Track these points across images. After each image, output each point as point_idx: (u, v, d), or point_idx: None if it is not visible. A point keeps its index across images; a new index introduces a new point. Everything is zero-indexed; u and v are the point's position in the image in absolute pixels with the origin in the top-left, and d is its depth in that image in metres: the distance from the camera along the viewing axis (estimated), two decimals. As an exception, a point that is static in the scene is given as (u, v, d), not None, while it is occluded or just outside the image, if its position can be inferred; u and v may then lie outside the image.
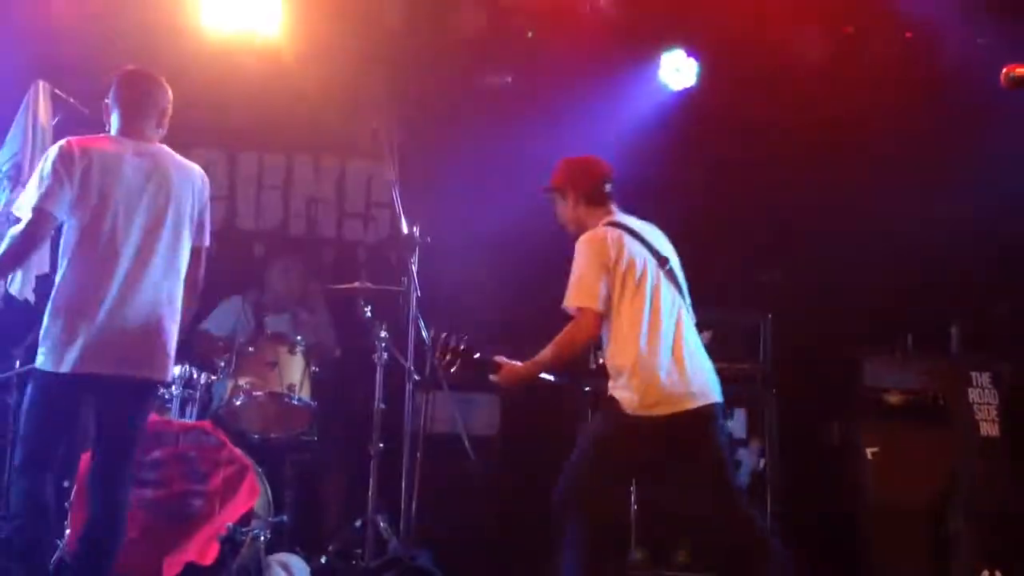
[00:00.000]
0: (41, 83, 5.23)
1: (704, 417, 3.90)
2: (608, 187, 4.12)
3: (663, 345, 3.90)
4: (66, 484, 4.52)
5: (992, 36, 5.41)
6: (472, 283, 5.95)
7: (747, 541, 3.89)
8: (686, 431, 3.88)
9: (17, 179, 5.13)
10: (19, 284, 5.18)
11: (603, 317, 3.92)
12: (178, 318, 3.88)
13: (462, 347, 4.12)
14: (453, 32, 5.86)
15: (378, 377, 5.10)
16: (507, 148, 6.00)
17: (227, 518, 4.39)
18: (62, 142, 3.83)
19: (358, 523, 5.08)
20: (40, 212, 3.69)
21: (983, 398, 4.81)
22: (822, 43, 5.70)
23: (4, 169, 5.17)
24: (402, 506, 5.05)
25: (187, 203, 3.86)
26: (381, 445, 5.05)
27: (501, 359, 4.12)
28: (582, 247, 3.97)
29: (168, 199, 3.81)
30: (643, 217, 4.17)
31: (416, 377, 5.19)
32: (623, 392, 3.91)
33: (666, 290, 3.98)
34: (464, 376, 4.19)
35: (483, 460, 5.36)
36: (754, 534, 3.88)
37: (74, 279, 3.71)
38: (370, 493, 4.97)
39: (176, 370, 4.72)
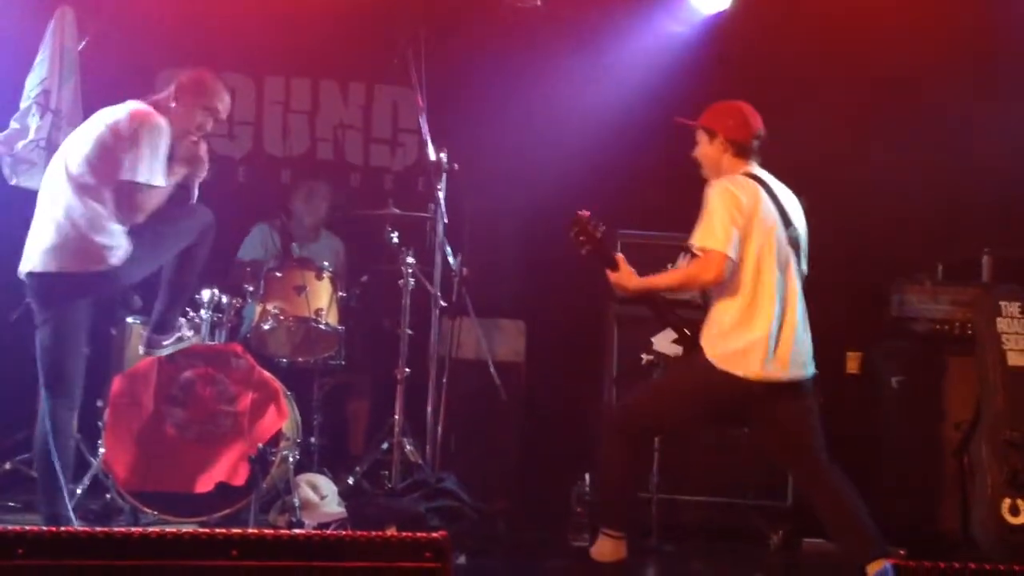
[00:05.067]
0: (66, 8, 5.23)
1: (790, 389, 3.83)
2: (757, 143, 3.99)
3: (768, 311, 3.81)
4: (99, 404, 4.64)
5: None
6: (499, 210, 5.93)
7: (821, 498, 3.85)
8: (767, 399, 3.82)
9: (46, 105, 5.16)
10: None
11: (732, 264, 3.78)
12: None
13: (599, 234, 3.99)
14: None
15: (404, 302, 5.14)
16: (535, 72, 5.92)
17: (256, 439, 4.46)
18: None
19: (385, 446, 5.17)
20: None
21: (1012, 328, 4.75)
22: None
23: (33, 95, 5.19)
24: (428, 430, 5.14)
25: None
26: (408, 370, 5.11)
27: (621, 257, 4.03)
28: (719, 192, 3.85)
29: None
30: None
31: (442, 303, 5.23)
32: (716, 345, 3.84)
33: (785, 257, 3.88)
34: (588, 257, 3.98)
35: (509, 386, 5.40)
36: (830, 493, 3.82)
37: None
38: (396, 417, 5.05)
39: (205, 294, 4.79)
